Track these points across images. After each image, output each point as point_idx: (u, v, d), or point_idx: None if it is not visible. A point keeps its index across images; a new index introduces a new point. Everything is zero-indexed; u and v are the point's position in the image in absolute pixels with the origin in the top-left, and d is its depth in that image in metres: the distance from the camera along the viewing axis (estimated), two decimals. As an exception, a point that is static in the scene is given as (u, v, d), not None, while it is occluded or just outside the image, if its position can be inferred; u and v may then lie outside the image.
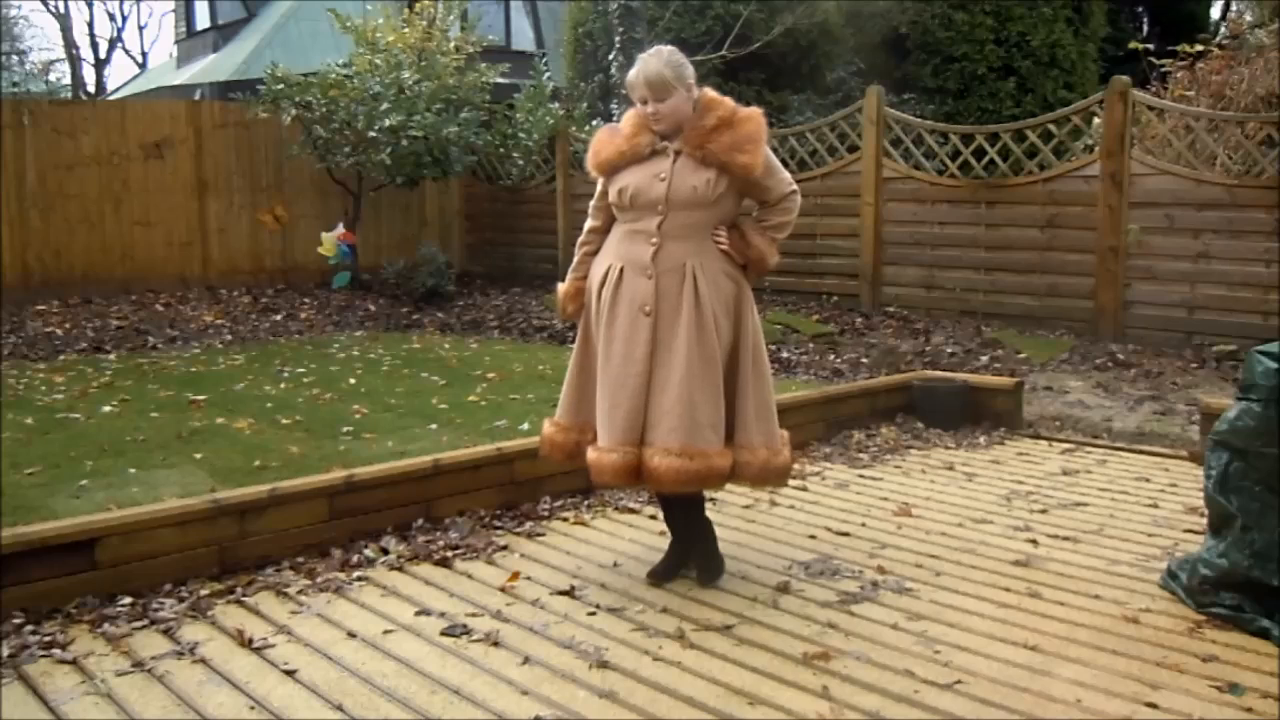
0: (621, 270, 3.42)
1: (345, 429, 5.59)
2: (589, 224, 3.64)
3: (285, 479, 4.06)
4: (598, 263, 3.54)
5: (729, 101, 3.46)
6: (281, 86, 10.81)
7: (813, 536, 4.05)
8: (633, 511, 4.37)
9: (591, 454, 3.43)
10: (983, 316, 8.73)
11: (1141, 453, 5.37)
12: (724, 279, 3.42)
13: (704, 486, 3.45)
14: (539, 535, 4.08)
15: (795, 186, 3.54)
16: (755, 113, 3.44)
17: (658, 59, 3.39)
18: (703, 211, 3.39)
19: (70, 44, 31.68)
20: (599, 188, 3.57)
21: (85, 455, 5.02)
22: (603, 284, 3.46)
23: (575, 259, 3.66)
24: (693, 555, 3.61)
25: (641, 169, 3.42)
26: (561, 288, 3.68)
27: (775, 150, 6.53)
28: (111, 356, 8.30)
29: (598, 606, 3.36)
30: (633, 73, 3.42)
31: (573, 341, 3.67)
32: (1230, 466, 3.21)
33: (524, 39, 19.14)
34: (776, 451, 3.49)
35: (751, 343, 3.47)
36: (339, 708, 2.70)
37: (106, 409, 6.15)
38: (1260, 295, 7.41)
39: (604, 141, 3.53)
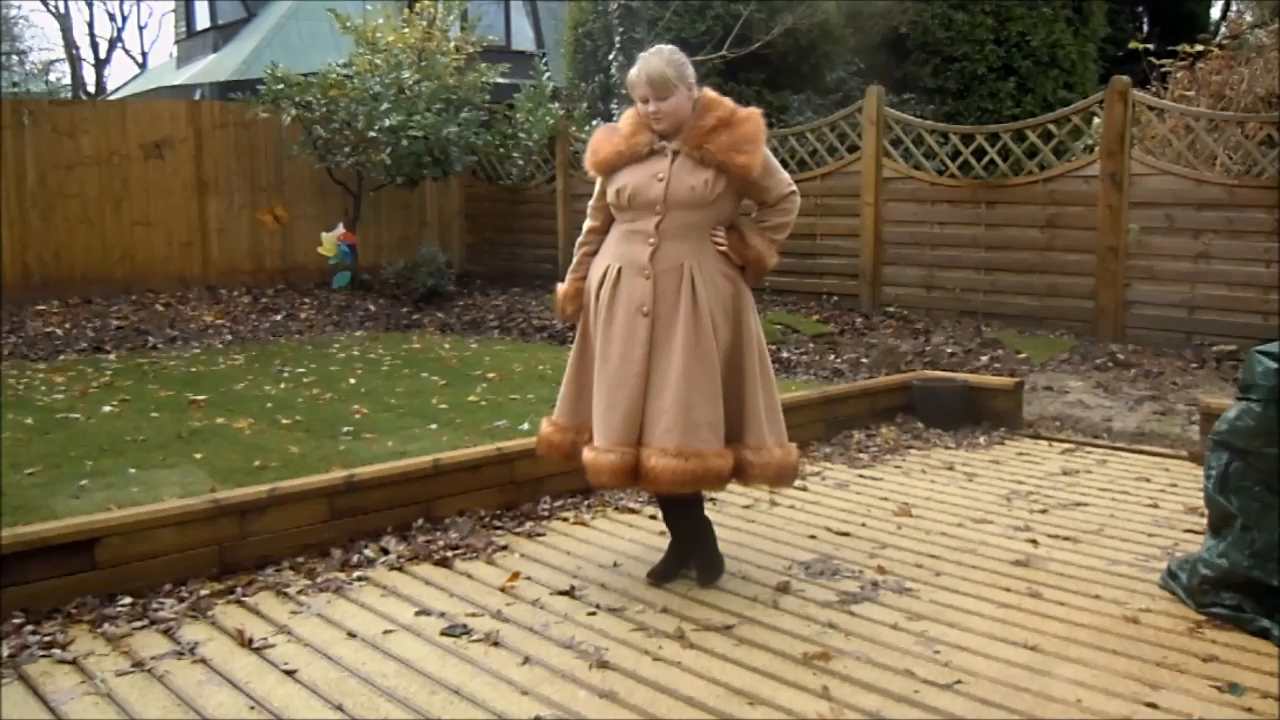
0: (619, 271, 3.42)
1: (345, 429, 5.59)
2: (588, 224, 3.63)
3: (285, 479, 4.06)
4: (596, 263, 3.54)
5: (728, 102, 3.46)
6: (281, 86, 10.81)
7: (813, 536, 4.05)
8: (633, 511, 4.37)
9: (588, 454, 3.42)
10: (983, 316, 8.73)
11: (1141, 453, 5.37)
12: (722, 279, 3.42)
13: (701, 487, 3.44)
14: (539, 535, 4.08)
15: (794, 187, 3.54)
16: (754, 113, 3.44)
17: (659, 58, 3.39)
18: (701, 212, 3.39)
19: (70, 44, 31.69)
20: (597, 188, 3.57)
21: (85, 455, 5.02)
22: (601, 284, 3.46)
23: (574, 259, 3.66)
24: (692, 555, 3.61)
25: (640, 169, 3.41)
26: (561, 288, 3.68)
27: (775, 150, 6.53)
28: (111, 356, 8.30)
29: (598, 606, 3.36)
30: (633, 71, 3.42)
31: (573, 341, 3.67)
32: (1230, 466, 3.21)
33: (524, 39, 19.14)
34: (788, 450, 3.51)
35: (755, 343, 3.47)
36: (339, 708, 2.70)
37: (106, 409, 6.15)
38: (1260, 295, 7.41)
39: (602, 141, 3.52)
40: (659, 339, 3.35)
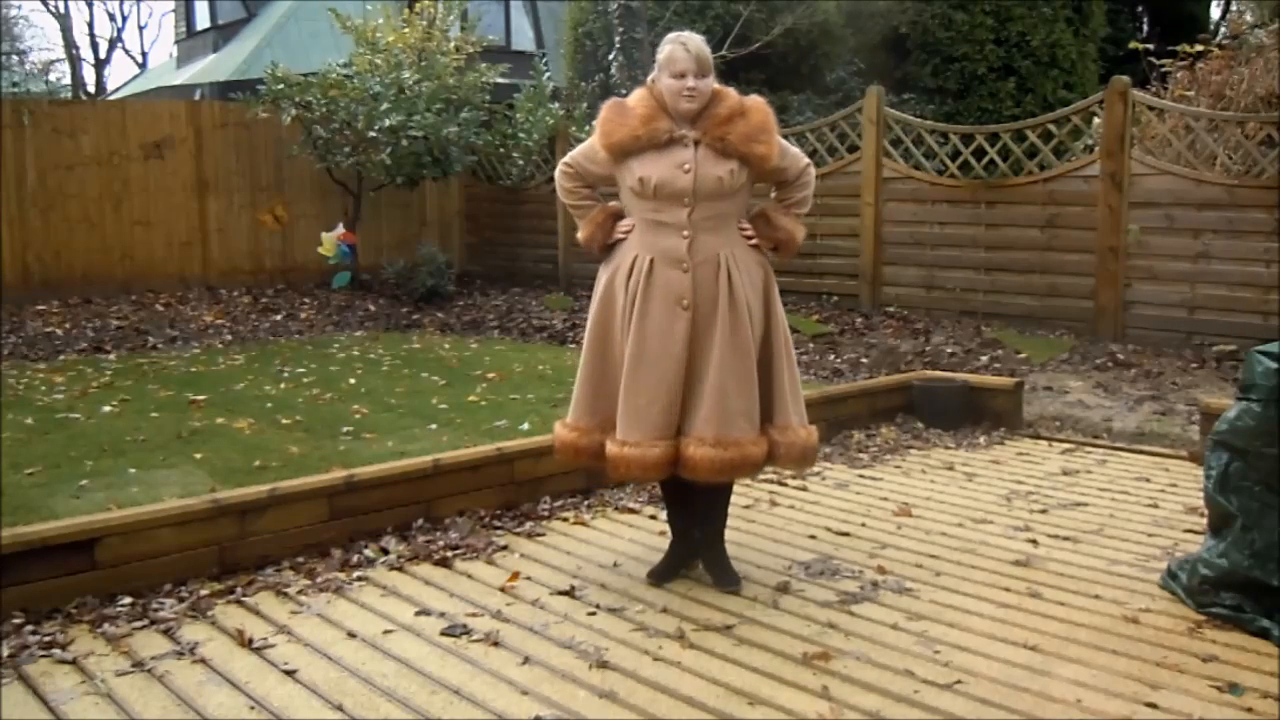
0: (651, 262, 3.36)
1: (345, 429, 5.59)
2: (573, 173, 3.55)
3: (285, 479, 4.06)
4: (621, 254, 3.45)
5: (734, 92, 3.49)
6: (281, 86, 10.81)
7: (813, 536, 4.06)
8: (633, 511, 4.37)
9: (623, 450, 3.34)
10: (983, 316, 8.72)
11: (1141, 453, 5.37)
12: (755, 266, 3.45)
13: (738, 475, 3.45)
14: (539, 535, 4.08)
15: (808, 160, 3.59)
16: (760, 102, 3.47)
17: (696, 38, 3.39)
18: (728, 201, 3.40)
19: (70, 44, 31.67)
20: (596, 152, 3.47)
21: (85, 455, 5.02)
22: (630, 276, 3.39)
23: (576, 201, 3.55)
24: (708, 558, 3.59)
25: (661, 158, 3.36)
26: (586, 226, 3.51)
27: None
28: (111, 356, 8.30)
29: (598, 606, 3.36)
30: (673, 47, 3.37)
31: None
32: (1230, 466, 3.21)
33: (524, 39, 19.13)
34: (811, 431, 3.53)
35: (782, 327, 3.50)
36: (339, 708, 2.70)
37: (106, 409, 6.15)
38: (1260, 295, 7.41)
39: (615, 122, 3.43)
40: (698, 332, 3.34)
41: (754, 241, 3.45)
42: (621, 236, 3.45)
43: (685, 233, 3.35)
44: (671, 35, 3.45)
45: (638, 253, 3.40)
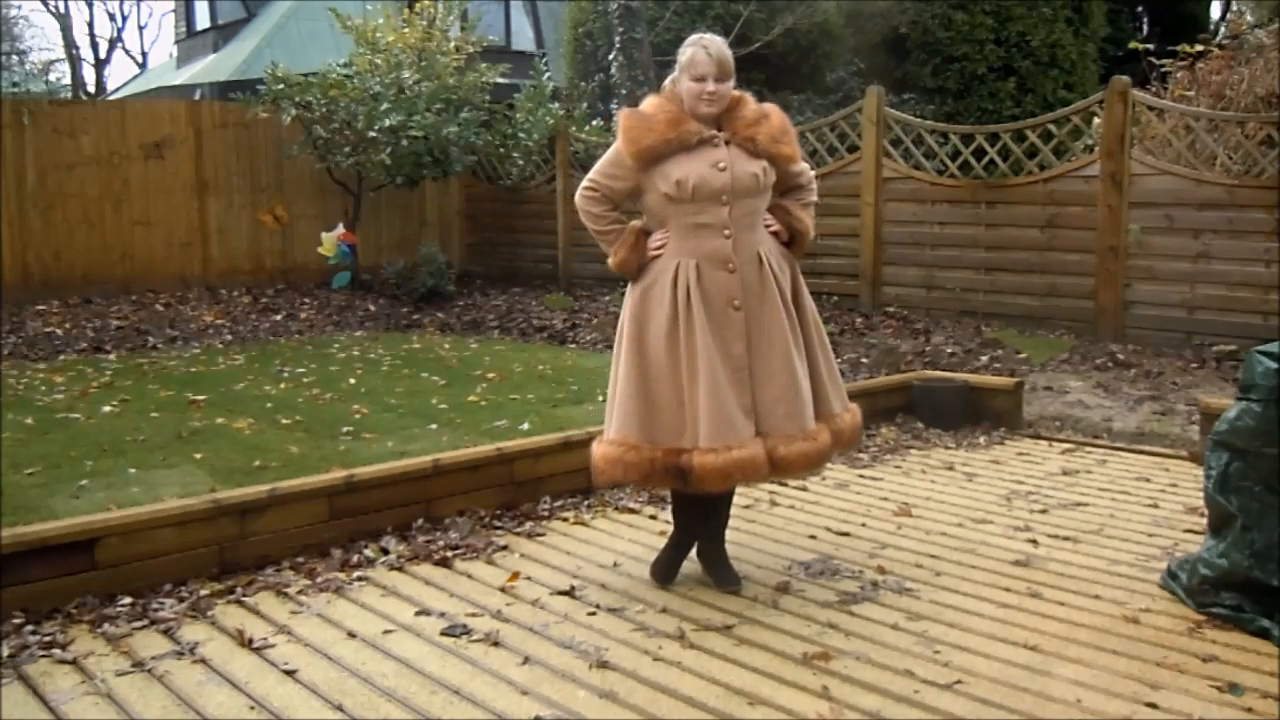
0: (697, 266, 3.32)
1: (345, 429, 5.59)
2: (598, 195, 3.44)
3: (285, 479, 4.06)
4: (658, 265, 3.38)
5: (750, 96, 3.52)
6: (281, 86, 10.81)
7: (813, 536, 4.06)
8: (633, 511, 4.37)
9: (739, 453, 3.25)
10: (983, 316, 8.72)
11: (1141, 453, 5.37)
12: (784, 261, 3.51)
13: (822, 464, 3.50)
14: (539, 535, 4.08)
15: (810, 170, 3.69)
16: (777, 108, 3.54)
17: (718, 41, 3.39)
18: (760, 199, 3.43)
19: (70, 44, 31.66)
20: (618, 169, 3.40)
21: (85, 455, 5.02)
22: (674, 285, 3.32)
23: (605, 226, 3.44)
24: (709, 558, 3.59)
25: (694, 158, 3.32)
26: (619, 251, 3.41)
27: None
28: (111, 356, 8.30)
29: (598, 606, 3.36)
30: (694, 50, 3.35)
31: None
32: (1230, 466, 3.21)
33: (524, 39, 19.14)
34: (854, 413, 3.60)
35: (814, 317, 3.55)
36: (339, 708, 2.70)
37: (106, 409, 6.15)
38: (1260, 295, 7.41)
39: (641, 129, 3.36)
40: (753, 330, 3.35)
41: (775, 229, 3.50)
42: (657, 253, 3.39)
43: (727, 232, 3.34)
44: (693, 37, 3.42)
45: (679, 259, 3.34)
